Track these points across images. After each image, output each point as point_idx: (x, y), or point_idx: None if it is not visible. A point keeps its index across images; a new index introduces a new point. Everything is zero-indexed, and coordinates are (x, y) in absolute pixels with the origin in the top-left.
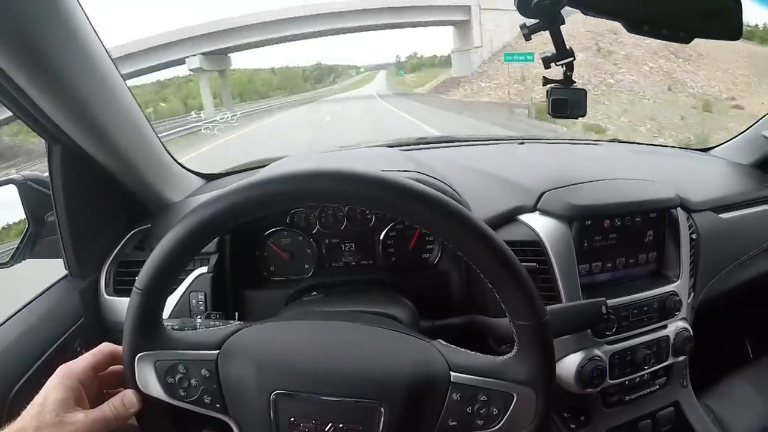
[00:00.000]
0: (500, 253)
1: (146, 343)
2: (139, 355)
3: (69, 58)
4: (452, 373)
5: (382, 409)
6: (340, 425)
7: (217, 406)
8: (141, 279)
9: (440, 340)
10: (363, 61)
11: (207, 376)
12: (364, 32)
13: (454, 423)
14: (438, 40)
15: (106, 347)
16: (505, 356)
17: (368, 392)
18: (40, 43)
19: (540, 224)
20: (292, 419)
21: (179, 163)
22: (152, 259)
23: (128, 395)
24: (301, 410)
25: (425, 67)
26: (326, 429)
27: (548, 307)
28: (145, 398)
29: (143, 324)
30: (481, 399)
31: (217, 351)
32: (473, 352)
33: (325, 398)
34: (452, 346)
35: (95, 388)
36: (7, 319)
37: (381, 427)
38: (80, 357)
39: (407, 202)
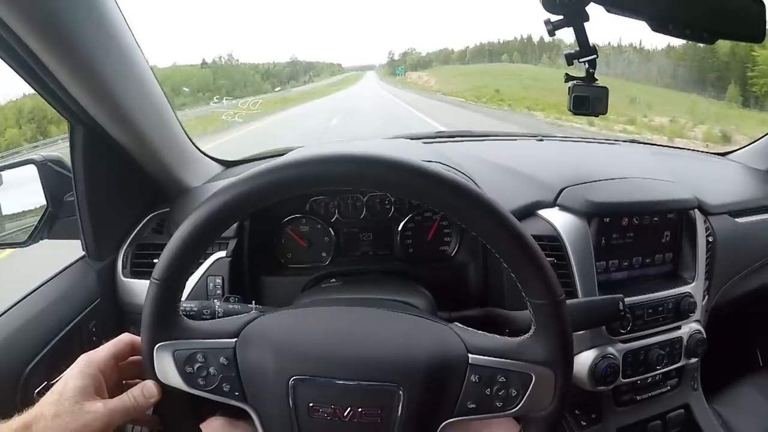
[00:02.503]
0: (515, 233)
1: (164, 333)
2: (157, 345)
3: (96, 39)
4: (470, 355)
5: (401, 392)
6: (359, 409)
7: (236, 393)
8: (158, 269)
9: (457, 323)
10: (347, 62)
11: (225, 364)
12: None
13: (473, 405)
14: (438, 36)
15: (126, 337)
16: (522, 337)
17: (387, 375)
18: (69, 24)
19: (559, 220)
20: (310, 404)
21: (199, 149)
22: (168, 249)
23: (148, 385)
24: (320, 395)
25: (436, 64)
26: (345, 413)
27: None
28: (163, 388)
29: (161, 314)
30: (500, 380)
31: (235, 339)
32: (490, 334)
33: (343, 382)
34: (469, 328)
35: (115, 378)
36: (24, 297)
37: (400, 411)
38: (101, 346)
39: (419, 183)
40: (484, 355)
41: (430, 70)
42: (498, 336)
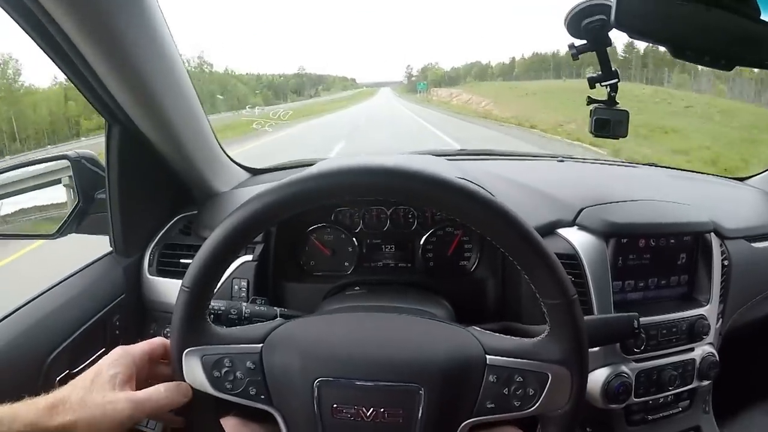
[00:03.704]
0: (527, 235)
1: (193, 338)
2: (186, 350)
3: (140, 42)
4: (488, 356)
5: (422, 392)
6: (381, 410)
7: (262, 397)
8: (188, 277)
9: (474, 327)
10: (361, 78)
11: (252, 368)
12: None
13: (492, 405)
14: (460, 50)
15: (159, 339)
16: (538, 337)
17: (408, 376)
18: (117, 27)
19: (577, 239)
20: (334, 405)
21: (228, 155)
22: (198, 257)
23: (184, 384)
24: (344, 396)
25: (469, 79)
26: (368, 414)
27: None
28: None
29: (190, 321)
30: (517, 380)
31: (261, 344)
32: (507, 336)
33: (366, 383)
34: (486, 331)
35: (145, 375)
36: (51, 288)
37: (421, 411)
38: (138, 343)
39: (437, 192)
40: (501, 356)
41: (465, 86)
42: (514, 338)
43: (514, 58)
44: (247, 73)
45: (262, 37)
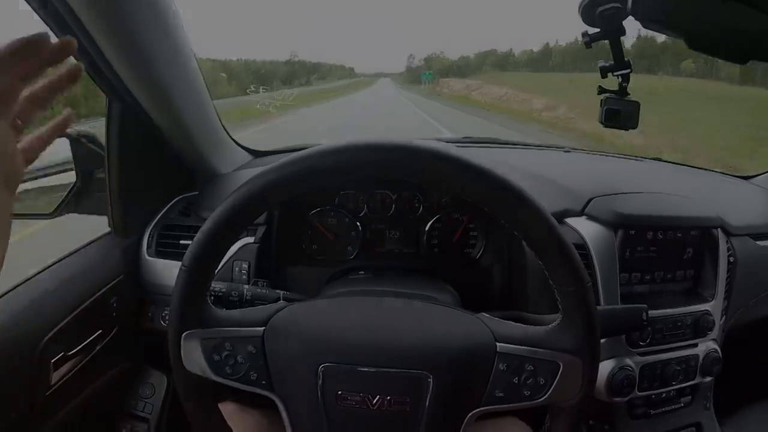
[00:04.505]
0: (545, 221)
1: (193, 320)
2: (185, 333)
3: (145, 16)
4: (498, 344)
5: (430, 380)
6: (388, 397)
7: (263, 382)
8: (188, 257)
9: (484, 314)
10: (360, 68)
11: (253, 352)
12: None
13: (502, 394)
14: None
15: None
16: (550, 325)
17: (416, 363)
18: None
19: (586, 229)
20: (339, 392)
21: (230, 137)
22: (198, 237)
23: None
24: (349, 383)
25: (486, 68)
26: (374, 401)
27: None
28: (188, 375)
29: (190, 302)
30: (528, 369)
31: (263, 328)
32: (518, 324)
33: (372, 370)
34: (496, 318)
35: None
36: (47, 267)
37: (428, 400)
38: None
39: (457, 173)
40: (511, 344)
41: (482, 76)
42: (525, 326)
43: (548, 44)
44: (237, 59)
45: (254, 23)
